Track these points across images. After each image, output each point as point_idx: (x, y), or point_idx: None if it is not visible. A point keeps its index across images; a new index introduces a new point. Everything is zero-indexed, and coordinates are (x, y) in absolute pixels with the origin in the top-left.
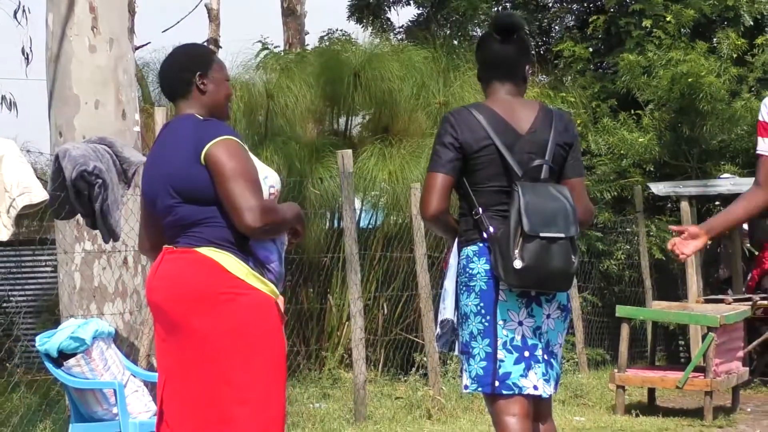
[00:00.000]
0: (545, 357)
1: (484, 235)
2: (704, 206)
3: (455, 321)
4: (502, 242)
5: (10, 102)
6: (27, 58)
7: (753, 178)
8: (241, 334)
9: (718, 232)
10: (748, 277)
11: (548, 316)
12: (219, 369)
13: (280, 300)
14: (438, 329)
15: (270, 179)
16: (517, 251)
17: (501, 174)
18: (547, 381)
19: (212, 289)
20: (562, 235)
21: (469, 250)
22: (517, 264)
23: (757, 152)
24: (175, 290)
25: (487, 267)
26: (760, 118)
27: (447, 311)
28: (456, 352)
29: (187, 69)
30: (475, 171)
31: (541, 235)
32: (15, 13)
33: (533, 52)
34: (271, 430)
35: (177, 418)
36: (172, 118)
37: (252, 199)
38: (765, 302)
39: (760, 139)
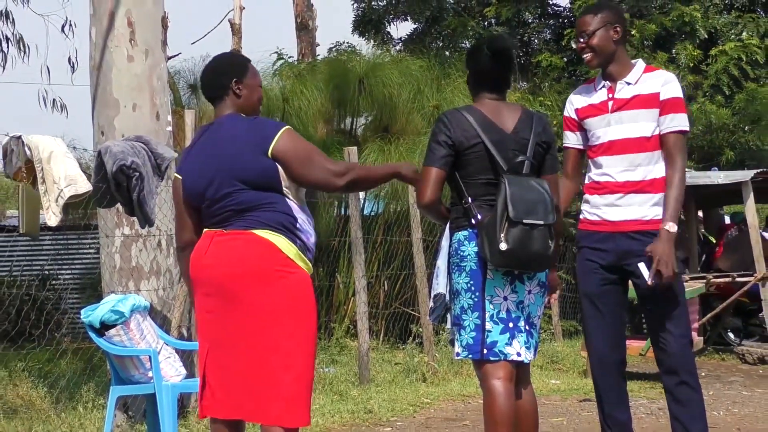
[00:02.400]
0: (527, 327)
1: (473, 221)
2: None
3: (447, 296)
4: (489, 227)
5: (60, 105)
6: (72, 67)
7: (706, 172)
8: (290, 307)
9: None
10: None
11: (529, 292)
12: (269, 338)
13: None
14: (431, 303)
15: None
16: (502, 235)
17: (488, 168)
18: (528, 348)
19: (268, 267)
20: (542, 223)
21: (460, 234)
22: (503, 246)
23: (564, 145)
24: (236, 267)
25: (477, 250)
26: (565, 114)
27: (440, 287)
28: (448, 325)
29: (225, 76)
30: (466, 166)
31: (524, 221)
32: (63, 27)
33: (515, 62)
34: (308, 392)
35: (221, 382)
36: (218, 117)
37: (330, 165)
38: (717, 280)
39: (566, 133)
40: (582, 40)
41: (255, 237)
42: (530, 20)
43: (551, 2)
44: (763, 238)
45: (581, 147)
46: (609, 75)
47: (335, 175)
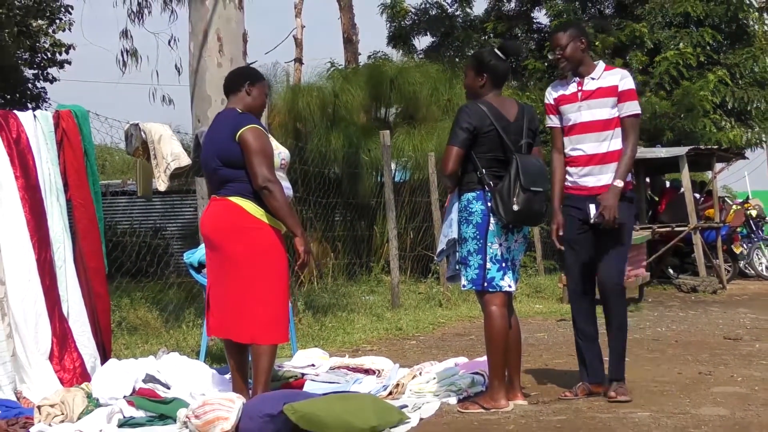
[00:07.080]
0: (512, 267)
1: (485, 186)
2: None
3: (457, 240)
4: (503, 193)
5: (169, 99)
6: (178, 71)
7: (651, 148)
8: (259, 255)
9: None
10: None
11: (516, 241)
12: (246, 279)
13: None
14: (444, 246)
15: (282, 154)
16: (515, 199)
17: (498, 148)
18: (514, 282)
19: (240, 224)
20: (541, 189)
21: (470, 195)
22: (515, 207)
23: (549, 126)
24: (216, 224)
25: (483, 207)
26: (546, 102)
27: (453, 233)
28: (452, 264)
29: (242, 77)
30: (481, 145)
31: (531, 189)
32: (169, 41)
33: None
34: (279, 320)
35: (216, 311)
36: (225, 108)
37: (264, 169)
38: (661, 230)
39: (549, 116)
40: (558, 52)
41: (229, 202)
42: (519, 34)
43: (535, 20)
44: (694, 198)
45: (561, 126)
46: (579, 74)
47: (261, 176)
